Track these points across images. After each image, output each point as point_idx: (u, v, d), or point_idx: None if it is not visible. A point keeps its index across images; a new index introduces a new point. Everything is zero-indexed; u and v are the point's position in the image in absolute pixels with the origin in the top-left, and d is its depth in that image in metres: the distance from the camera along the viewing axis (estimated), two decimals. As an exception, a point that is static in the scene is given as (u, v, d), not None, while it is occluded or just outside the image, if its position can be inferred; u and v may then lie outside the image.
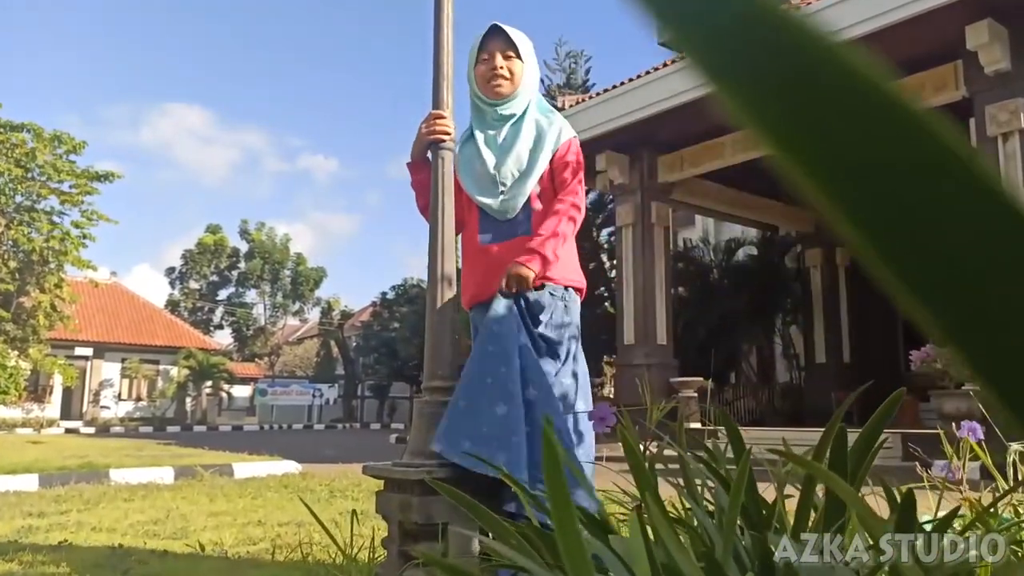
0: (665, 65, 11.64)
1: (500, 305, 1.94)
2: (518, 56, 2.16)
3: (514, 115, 2.17)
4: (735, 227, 17.11)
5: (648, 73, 11.64)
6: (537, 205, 2.10)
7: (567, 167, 2.13)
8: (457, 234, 2.22)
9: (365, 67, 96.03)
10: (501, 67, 2.14)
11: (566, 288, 2.08)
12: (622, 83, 11.77)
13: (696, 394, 12.45)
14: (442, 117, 2.02)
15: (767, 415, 14.80)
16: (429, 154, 2.07)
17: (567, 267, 2.10)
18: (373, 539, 2.01)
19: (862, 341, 15.66)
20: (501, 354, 1.86)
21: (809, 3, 9.78)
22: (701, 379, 12.51)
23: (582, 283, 2.15)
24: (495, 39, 2.17)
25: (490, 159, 2.12)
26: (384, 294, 33.88)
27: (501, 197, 2.09)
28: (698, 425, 12.06)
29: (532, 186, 2.09)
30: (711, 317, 14.80)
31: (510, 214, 2.09)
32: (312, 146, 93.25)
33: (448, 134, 2.01)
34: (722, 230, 18.09)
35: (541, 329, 1.99)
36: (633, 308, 12.79)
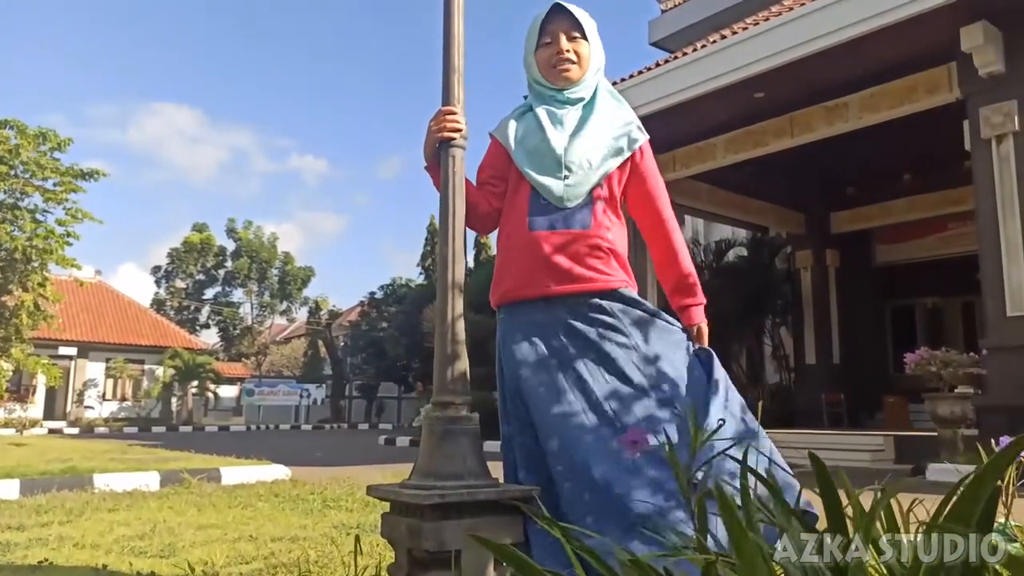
0: (657, 65, 11.59)
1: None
2: (584, 37, 1.96)
3: (583, 99, 1.98)
4: (725, 228, 17.10)
5: (640, 73, 11.58)
6: (600, 200, 1.91)
7: (649, 174, 1.97)
8: (496, 225, 2.02)
9: (358, 68, 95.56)
10: (567, 50, 1.94)
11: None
12: (614, 83, 11.68)
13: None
14: (453, 113, 1.86)
15: (756, 416, 14.77)
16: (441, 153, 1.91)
17: (620, 268, 1.93)
18: (379, 565, 1.88)
19: (851, 342, 15.71)
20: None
21: (803, 4, 9.74)
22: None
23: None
24: (558, 20, 1.95)
25: (556, 138, 1.90)
26: (372, 294, 33.76)
27: (566, 182, 1.87)
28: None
29: (601, 177, 1.90)
30: (701, 318, 14.75)
31: (570, 202, 1.87)
32: (301, 146, 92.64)
33: (459, 131, 1.85)
34: (712, 231, 18.06)
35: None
36: (625, 309, 12.73)
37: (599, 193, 1.90)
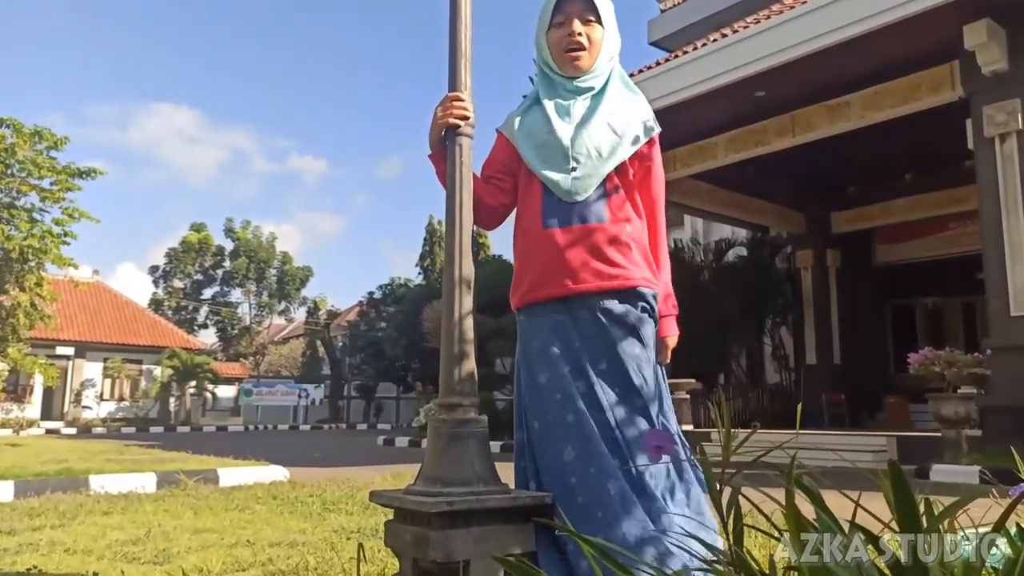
0: (657, 64, 11.52)
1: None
2: (599, 21, 1.85)
3: (592, 88, 1.88)
4: (725, 227, 17.03)
5: (640, 72, 11.50)
6: (616, 191, 1.81)
7: (655, 171, 1.90)
8: (503, 220, 1.95)
9: (358, 68, 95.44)
10: (580, 34, 1.83)
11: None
12: (615, 81, 11.62)
13: (688, 396, 12.36)
14: (460, 99, 1.78)
15: (757, 417, 14.73)
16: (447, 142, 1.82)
17: (643, 263, 1.85)
18: (383, 573, 1.80)
19: (852, 342, 15.65)
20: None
21: (805, 2, 9.67)
22: (693, 381, 12.42)
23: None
24: (573, 1, 1.85)
25: (563, 130, 1.81)
26: (371, 293, 33.66)
27: (573, 175, 1.77)
28: (690, 427, 11.98)
29: (613, 167, 1.80)
30: (701, 318, 14.67)
31: (579, 195, 1.77)
32: (301, 146, 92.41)
33: (466, 118, 1.78)
34: (712, 230, 18.00)
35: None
36: (625, 309, 12.66)
37: (613, 183, 1.81)
